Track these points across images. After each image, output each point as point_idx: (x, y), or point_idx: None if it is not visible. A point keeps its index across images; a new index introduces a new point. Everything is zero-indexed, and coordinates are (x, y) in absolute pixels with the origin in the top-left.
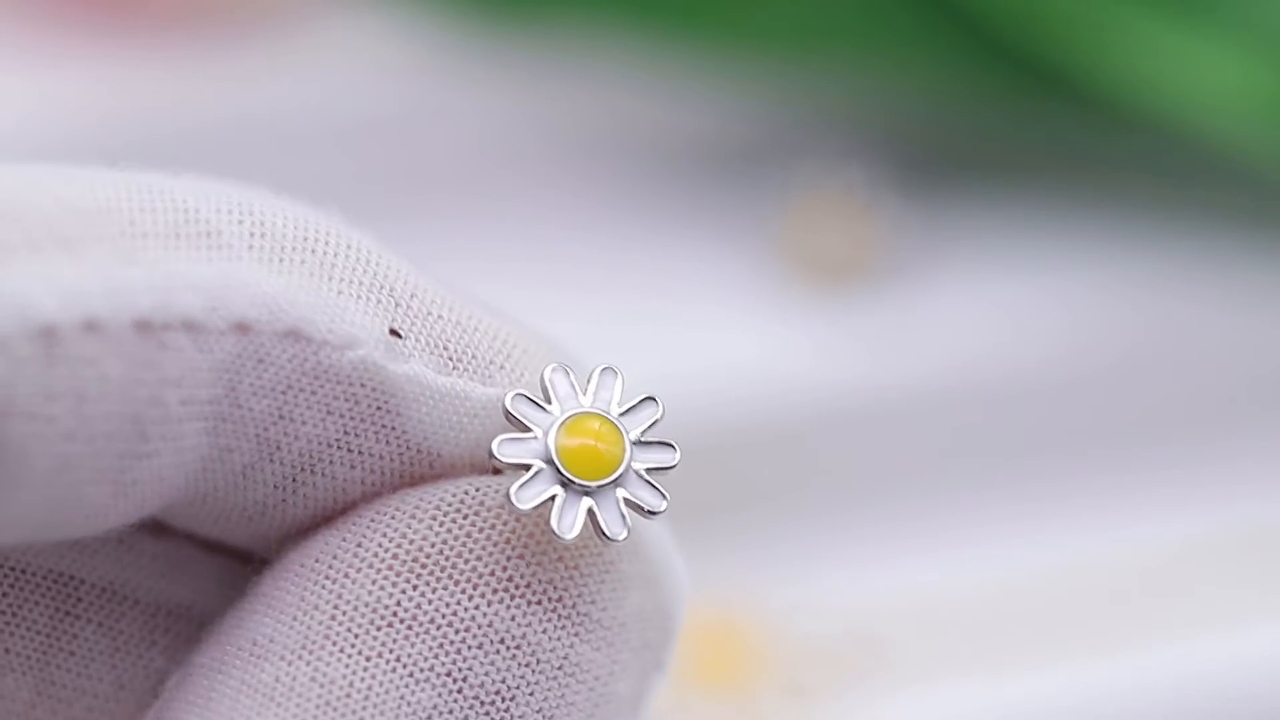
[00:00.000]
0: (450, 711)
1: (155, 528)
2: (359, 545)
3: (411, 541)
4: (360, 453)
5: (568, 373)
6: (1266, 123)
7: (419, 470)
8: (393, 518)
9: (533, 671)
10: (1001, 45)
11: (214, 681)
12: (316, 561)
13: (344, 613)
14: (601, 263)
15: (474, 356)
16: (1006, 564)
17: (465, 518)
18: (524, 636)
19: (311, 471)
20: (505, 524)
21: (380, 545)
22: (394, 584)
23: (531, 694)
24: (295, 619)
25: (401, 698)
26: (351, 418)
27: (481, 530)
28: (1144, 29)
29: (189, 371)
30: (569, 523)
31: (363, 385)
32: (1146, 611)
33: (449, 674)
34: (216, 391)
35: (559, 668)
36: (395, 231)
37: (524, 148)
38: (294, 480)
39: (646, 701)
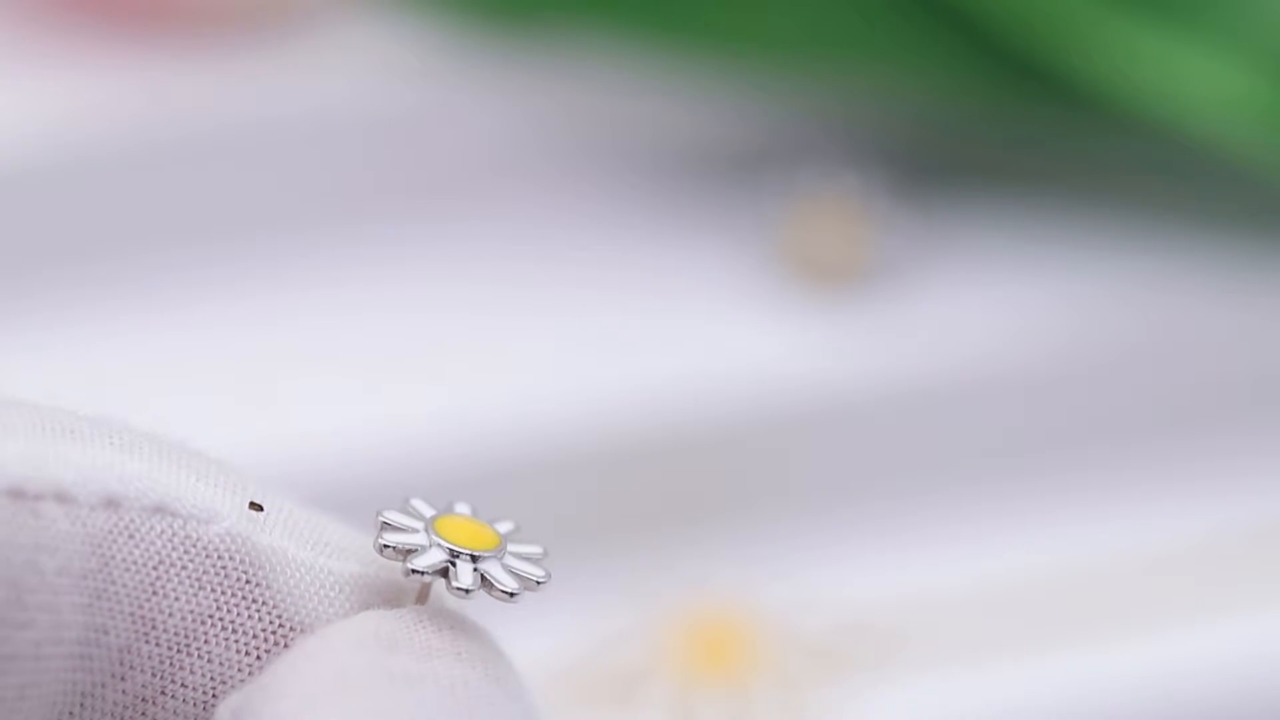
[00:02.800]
0: None
1: None
2: (328, 642)
3: (379, 632)
4: (234, 629)
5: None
6: (1260, 130)
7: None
8: (353, 621)
9: None
10: (998, 50)
11: None
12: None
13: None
14: (604, 263)
15: (326, 541)
16: (1005, 560)
17: (393, 626)
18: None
19: (188, 652)
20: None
21: (347, 638)
22: (382, 657)
23: None
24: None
25: None
26: (222, 591)
27: (420, 628)
28: (1137, 36)
29: (63, 541)
30: (506, 586)
31: (231, 557)
32: (1145, 607)
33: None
34: (90, 565)
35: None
36: (403, 232)
37: (530, 151)
38: (171, 663)
39: None
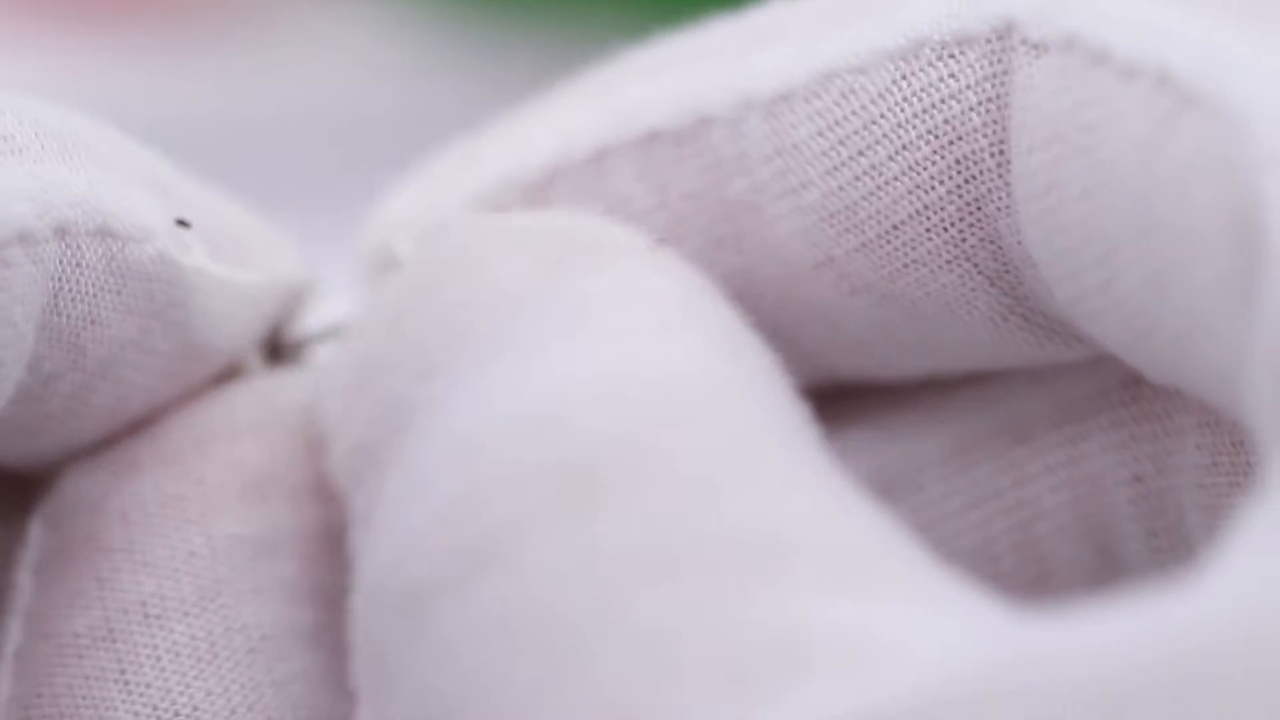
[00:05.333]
0: (326, 625)
1: None
2: (200, 480)
3: (250, 464)
4: (149, 352)
5: None
6: None
7: (191, 367)
8: (224, 442)
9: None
10: None
11: (117, 651)
12: (165, 509)
13: (223, 552)
14: None
15: (234, 245)
16: None
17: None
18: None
19: (104, 377)
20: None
21: (220, 476)
22: (247, 511)
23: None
24: (178, 571)
25: (297, 623)
26: (148, 315)
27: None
28: None
29: (29, 285)
30: None
31: (158, 279)
32: None
33: (314, 588)
34: (44, 302)
35: None
36: None
37: None
38: (87, 387)
39: None
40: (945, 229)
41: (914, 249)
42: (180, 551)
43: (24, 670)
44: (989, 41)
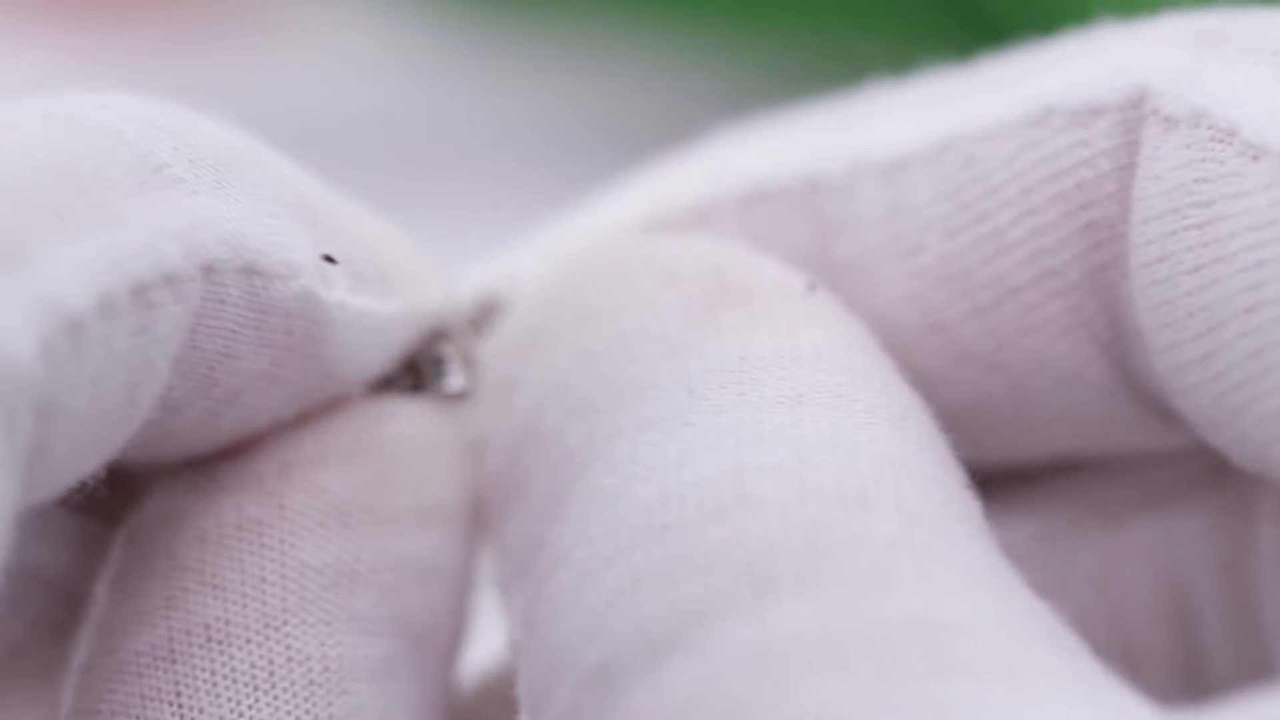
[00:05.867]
0: (402, 657)
1: None
2: (281, 505)
3: (335, 492)
4: (281, 382)
5: None
6: None
7: (319, 395)
8: (311, 469)
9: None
10: (1005, 36)
11: (175, 673)
12: (243, 531)
13: (294, 580)
14: None
15: (376, 273)
16: None
17: (367, 461)
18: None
19: (232, 404)
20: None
21: (303, 502)
22: (327, 540)
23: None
24: (246, 596)
25: (365, 655)
26: (283, 349)
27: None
28: None
29: (172, 327)
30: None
31: (300, 316)
32: None
33: (392, 618)
34: (183, 336)
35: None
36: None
37: (515, 137)
38: (214, 414)
39: None
40: (1065, 294)
41: (1030, 315)
42: (251, 577)
43: (87, 684)
44: (1121, 110)
